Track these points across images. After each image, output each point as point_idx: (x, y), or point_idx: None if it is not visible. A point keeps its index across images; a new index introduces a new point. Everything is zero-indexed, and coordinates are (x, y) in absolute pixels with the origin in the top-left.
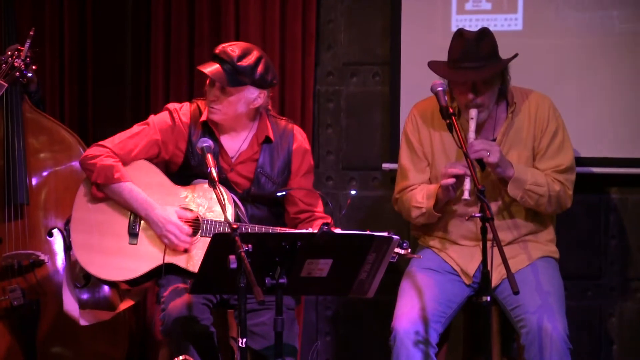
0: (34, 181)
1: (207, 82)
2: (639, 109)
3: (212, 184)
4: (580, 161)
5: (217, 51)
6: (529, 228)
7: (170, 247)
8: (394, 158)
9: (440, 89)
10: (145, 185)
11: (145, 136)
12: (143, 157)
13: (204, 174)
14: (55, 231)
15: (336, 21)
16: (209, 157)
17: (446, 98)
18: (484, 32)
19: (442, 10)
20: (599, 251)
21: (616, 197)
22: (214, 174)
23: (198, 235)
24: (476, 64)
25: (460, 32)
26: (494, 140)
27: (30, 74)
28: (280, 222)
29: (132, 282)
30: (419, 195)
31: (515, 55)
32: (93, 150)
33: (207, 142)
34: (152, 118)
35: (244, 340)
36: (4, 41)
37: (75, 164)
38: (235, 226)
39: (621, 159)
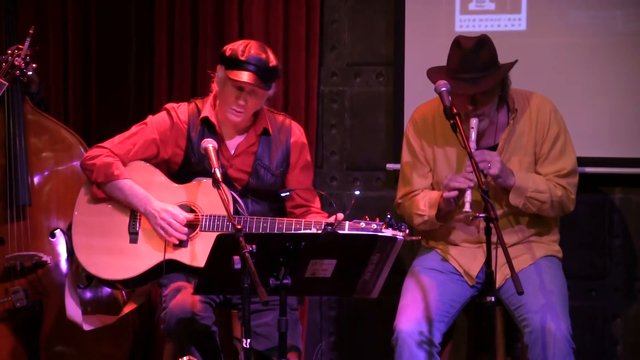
0: (35, 182)
1: (232, 89)
2: None
3: (216, 184)
4: (584, 161)
5: (243, 58)
6: (533, 231)
7: (165, 237)
8: (398, 158)
9: (444, 89)
10: (145, 184)
11: (143, 135)
12: (141, 157)
13: (204, 170)
14: (58, 232)
15: (340, 21)
16: (213, 157)
17: (450, 98)
18: (483, 41)
19: (445, 10)
20: (603, 251)
21: (620, 197)
22: (218, 174)
23: (198, 230)
24: (474, 74)
25: (458, 41)
26: (496, 146)
27: (30, 72)
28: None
29: (135, 281)
30: (422, 203)
31: (515, 62)
32: (92, 151)
33: (210, 142)
34: (150, 118)
35: (248, 340)
36: (5, 41)
37: (77, 164)
38: (239, 227)
39: (625, 159)
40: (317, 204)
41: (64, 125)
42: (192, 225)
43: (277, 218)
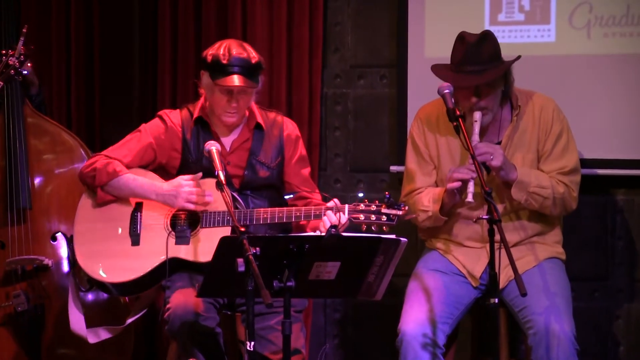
0: (36, 184)
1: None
2: None
3: (220, 187)
4: (587, 163)
5: (226, 61)
6: (536, 229)
7: (198, 208)
8: (402, 160)
9: (447, 91)
10: None
11: (139, 142)
12: (139, 163)
13: (203, 169)
14: (59, 235)
15: (343, 24)
16: (217, 160)
17: (453, 100)
18: (486, 36)
19: (476, 20)
20: (606, 252)
21: (623, 198)
22: (222, 177)
23: (198, 227)
24: (478, 67)
25: (462, 36)
26: (499, 143)
27: (26, 72)
28: None
29: (139, 283)
30: (425, 199)
31: (518, 57)
32: (89, 161)
33: (214, 145)
34: (143, 126)
35: (252, 343)
36: (4, 44)
37: (78, 166)
38: (242, 229)
39: (628, 161)
40: (317, 196)
41: (64, 128)
42: (193, 223)
43: (277, 208)
